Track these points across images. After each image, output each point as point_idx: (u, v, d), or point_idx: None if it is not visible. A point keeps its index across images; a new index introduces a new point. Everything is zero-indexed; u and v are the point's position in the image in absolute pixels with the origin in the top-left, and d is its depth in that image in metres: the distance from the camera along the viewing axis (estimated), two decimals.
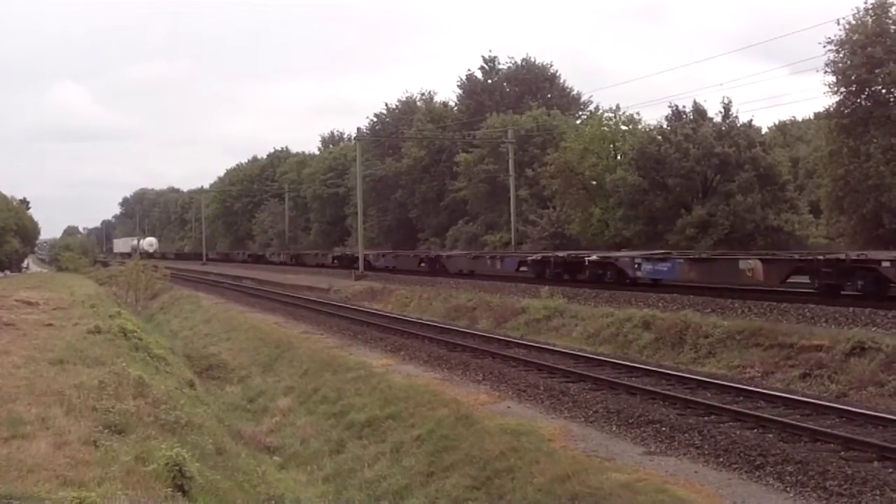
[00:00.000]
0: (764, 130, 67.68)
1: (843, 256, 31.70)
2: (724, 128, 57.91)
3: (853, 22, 45.53)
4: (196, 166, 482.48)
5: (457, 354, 31.29)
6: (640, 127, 65.18)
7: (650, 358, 28.64)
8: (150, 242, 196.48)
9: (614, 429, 19.86)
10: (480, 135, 79.77)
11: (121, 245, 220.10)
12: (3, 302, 39.53)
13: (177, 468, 12.13)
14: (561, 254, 51.52)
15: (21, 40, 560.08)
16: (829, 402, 20.38)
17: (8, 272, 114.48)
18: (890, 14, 45.40)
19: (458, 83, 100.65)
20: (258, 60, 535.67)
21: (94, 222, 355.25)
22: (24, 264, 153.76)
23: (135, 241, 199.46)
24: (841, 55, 45.75)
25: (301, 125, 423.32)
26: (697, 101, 61.88)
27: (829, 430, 17.45)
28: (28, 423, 13.95)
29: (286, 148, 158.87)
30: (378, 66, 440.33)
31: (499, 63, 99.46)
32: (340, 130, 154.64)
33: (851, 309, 27.78)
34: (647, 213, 57.55)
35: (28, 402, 15.59)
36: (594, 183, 64.53)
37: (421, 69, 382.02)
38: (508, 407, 22.72)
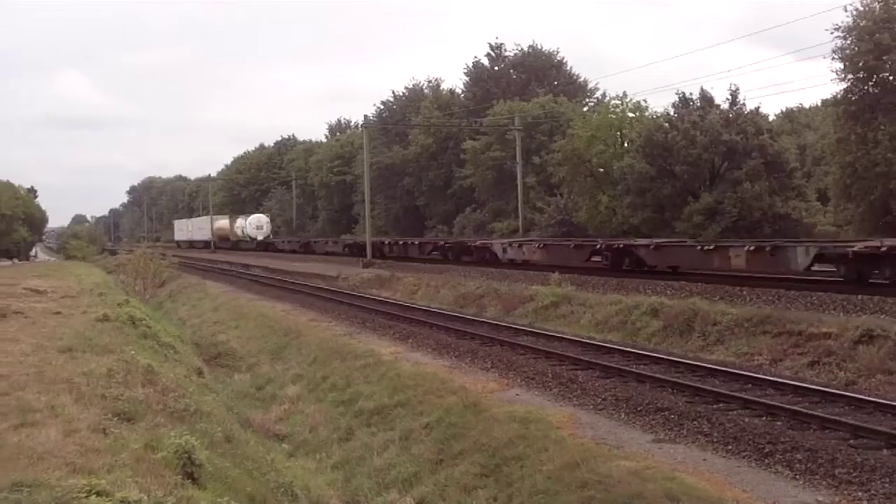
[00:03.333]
0: (771, 117, 67.74)
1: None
2: (731, 115, 57.77)
3: (860, 8, 45.38)
4: (202, 154, 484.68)
5: (465, 342, 31.32)
6: (647, 114, 65.17)
7: (659, 345, 28.64)
8: (258, 223, 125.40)
9: (623, 416, 19.87)
10: (487, 122, 79.68)
11: (192, 229, 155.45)
12: (11, 290, 39.61)
13: (186, 456, 12.14)
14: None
15: (21, 29, 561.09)
16: (838, 389, 20.37)
17: (16, 260, 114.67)
18: None
19: (465, 70, 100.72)
20: (263, 48, 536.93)
21: (102, 210, 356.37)
22: (32, 253, 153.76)
23: (223, 222, 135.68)
24: (848, 42, 45.58)
25: (308, 113, 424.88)
26: (704, 88, 61.95)
27: (838, 418, 17.46)
28: (37, 411, 13.97)
29: (293, 136, 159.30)
30: (384, 54, 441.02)
31: (505, 50, 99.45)
32: (347, 118, 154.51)
33: (860, 296, 27.77)
34: (655, 200, 57.45)
35: (37, 390, 15.61)
36: (601, 170, 64.44)
37: (427, 56, 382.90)
38: (517, 395, 22.74)
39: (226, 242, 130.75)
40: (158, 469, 11.49)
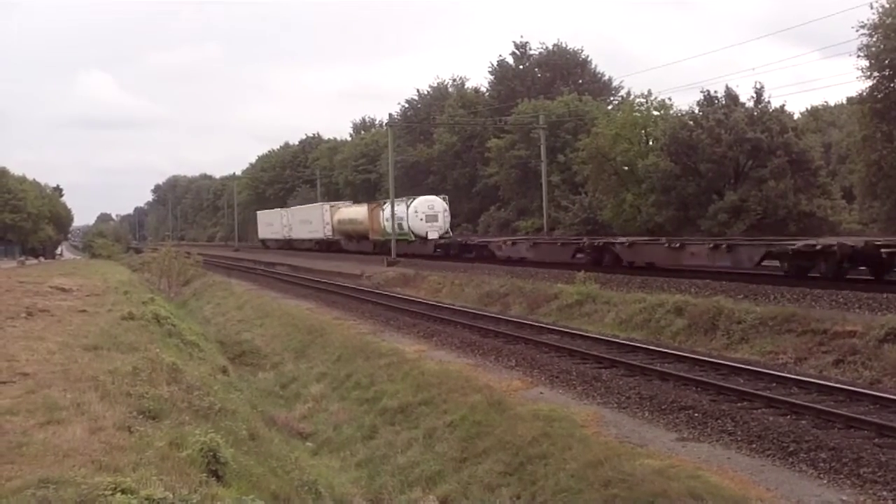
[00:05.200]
0: (796, 115, 67.64)
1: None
2: (756, 113, 57.78)
3: (887, 5, 45.21)
4: (227, 153, 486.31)
5: (489, 340, 31.29)
6: (671, 112, 65.14)
7: (683, 344, 28.53)
8: (430, 209, 77.67)
9: (647, 415, 19.83)
10: (512, 120, 79.80)
11: (289, 223, 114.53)
12: (37, 288, 39.85)
13: (211, 454, 12.18)
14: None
15: (48, 29, 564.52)
16: (863, 388, 20.25)
17: (42, 259, 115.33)
18: None
19: (490, 69, 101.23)
20: (289, 47, 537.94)
21: (127, 209, 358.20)
22: (58, 251, 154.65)
23: (354, 210, 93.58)
24: (874, 39, 45.45)
25: (332, 111, 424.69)
26: (729, 86, 61.93)
27: (862, 417, 17.36)
28: (63, 409, 14.04)
29: (318, 134, 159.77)
30: (409, 53, 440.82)
31: (530, 48, 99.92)
32: (372, 116, 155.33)
33: (885, 295, 27.64)
34: (679, 198, 57.45)
35: (63, 387, 15.69)
36: (626, 168, 64.51)
37: (452, 55, 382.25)
38: (541, 393, 22.72)
39: (359, 242, 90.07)
40: (183, 467, 11.54)
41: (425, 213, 76.43)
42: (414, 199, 78.48)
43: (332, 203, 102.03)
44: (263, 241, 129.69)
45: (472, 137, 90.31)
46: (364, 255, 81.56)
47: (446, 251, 71.73)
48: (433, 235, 74.92)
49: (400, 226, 76.52)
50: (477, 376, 24.97)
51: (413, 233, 76.10)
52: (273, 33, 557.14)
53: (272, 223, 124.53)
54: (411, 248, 75.07)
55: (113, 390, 15.69)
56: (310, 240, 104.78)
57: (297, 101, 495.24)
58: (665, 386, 22.01)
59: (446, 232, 76.45)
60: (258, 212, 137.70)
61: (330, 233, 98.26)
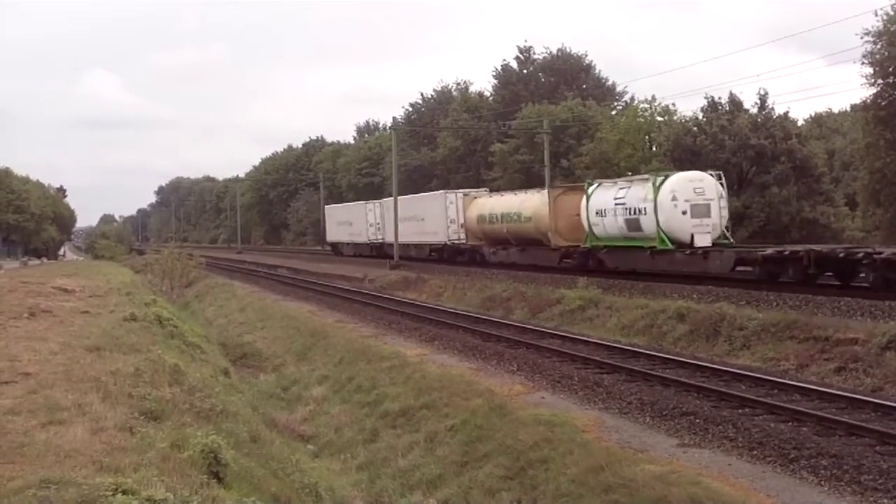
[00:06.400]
0: (800, 122, 67.77)
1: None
2: (759, 119, 57.80)
3: (891, 13, 45.23)
4: (230, 155, 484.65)
5: (491, 345, 31.33)
6: (675, 118, 65.12)
7: (684, 350, 28.51)
8: (698, 197, 39.65)
9: (648, 420, 19.84)
10: (516, 125, 79.68)
11: (377, 220, 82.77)
12: (40, 289, 39.74)
13: (212, 455, 12.17)
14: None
15: (52, 29, 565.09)
16: (865, 396, 20.23)
17: (45, 259, 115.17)
18: None
19: (494, 73, 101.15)
20: (293, 50, 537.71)
21: (130, 211, 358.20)
22: (61, 252, 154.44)
23: (520, 198, 56.02)
24: (878, 46, 45.48)
25: (336, 114, 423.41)
26: (733, 92, 61.92)
27: (864, 425, 17.36)
28: (65, 409, 14.01)
29: (321, 137, 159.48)
30: (413, 56, 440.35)
31: (534, 53, 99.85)
32: (376, 120, 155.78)
33: (888, 303, 27.58)
34: None
35: (65, 388, 15.66)
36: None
37: (456, 59, 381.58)
38: (542, 397, 22.74)
39: (524, 251, 55.28)
40: (184, 468, 11.53)
41: (690, 200, 40.36)
42: (666, 176, 42.34)
43: (465, 191, 68.58)
44: (334, 246, 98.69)
45: (475, 141, 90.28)
46: (367, 259, 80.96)
47: (770, 274, 34.71)
48: (704, 241, 39.65)
49: (635, 223, 42.24)
50: (478, 380, 25.00)
51: (666, 235, 40.41)
52: (277, 35, 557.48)
53: (351, 221, 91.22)
54: (659, 264, 41.88)
55: (115, 391, 15.68)
56: (422, 245, 72.13)
57: (301, 104, 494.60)
58: (666, 392, 22.03)
59: (721, 235, 40.95)
60: (327, 206, 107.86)
61: (460, 235, 65.65)
